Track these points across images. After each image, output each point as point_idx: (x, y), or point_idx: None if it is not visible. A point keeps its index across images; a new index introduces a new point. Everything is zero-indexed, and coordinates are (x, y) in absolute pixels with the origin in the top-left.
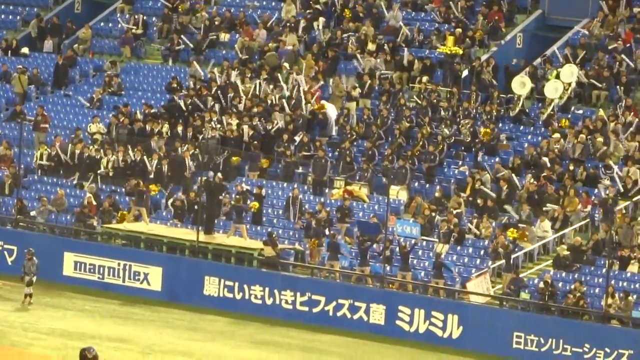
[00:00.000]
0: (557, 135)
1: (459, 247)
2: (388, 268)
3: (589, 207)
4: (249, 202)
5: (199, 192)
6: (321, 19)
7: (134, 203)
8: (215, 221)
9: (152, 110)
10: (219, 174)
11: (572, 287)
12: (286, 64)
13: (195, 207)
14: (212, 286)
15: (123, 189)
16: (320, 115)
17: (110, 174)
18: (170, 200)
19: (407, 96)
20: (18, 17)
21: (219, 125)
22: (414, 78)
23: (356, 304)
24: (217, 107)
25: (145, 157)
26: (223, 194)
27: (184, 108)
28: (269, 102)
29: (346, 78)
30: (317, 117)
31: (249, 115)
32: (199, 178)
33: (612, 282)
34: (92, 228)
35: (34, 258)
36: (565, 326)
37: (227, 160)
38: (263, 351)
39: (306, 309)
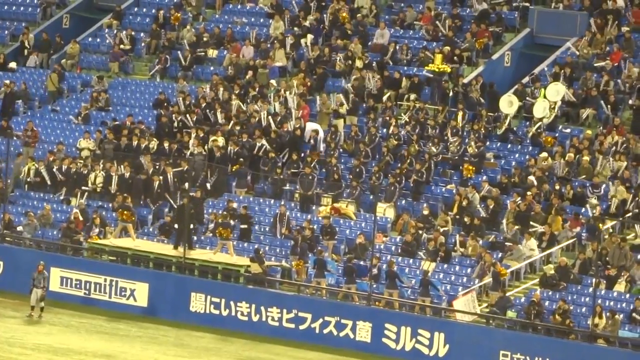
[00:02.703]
0: (544, 154)
1: (445, 265)
2: (375, 285)
3: (578, 228)
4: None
5: (178, 209)
6: (309, 36)
7: (121, 219)
8: (195, 237)
9: (142, 127)
10: (198, 192)
11: (557, 305)
12: (273, 81)
13: (175, 225)
14: (198, 302)
15: (110, 205)
16: (311, 139)
17: (98, 189)
18: (158, 223)
19: (394, 114)
20: (6, 32)
21: (223, 140)
22: (402, 96)
23: (343, 321)
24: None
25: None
26: (208, 212)
27: (174, 124)
28: (255, 119)
29: (334, 95)
30: (303, 135)
31: (235, 133)
32: (181, 194)
33: (599, 301)
34: (78, 243)
35: (45, 271)
36: (552, 345)
37: (219, 176)
38: None
39: (292, 326)
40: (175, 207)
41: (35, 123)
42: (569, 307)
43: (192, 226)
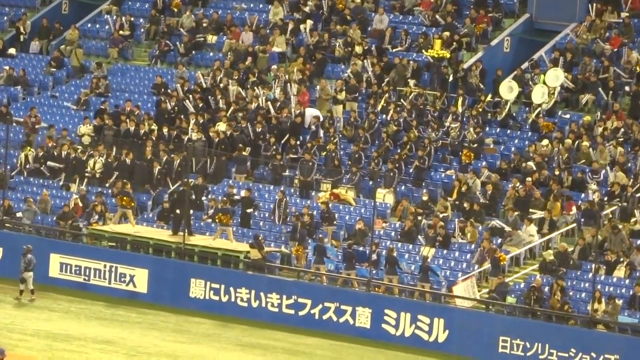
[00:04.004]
0: (545, 141)
1: (445, 251)
2: (374, 271)
3: (573, 210)
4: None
5: (177, 195)
6: (308, 22)
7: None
8: (192, 222)
9: (137, 112)
10: (199, 178)
11: (552, 285)
12: (274, 66)
13: (177, 211)
14: (198, 288)
15: (110, 191)
16: (312, 125)
17: (97, 175)
18: (158, 209)
19: (393, 99)
20: (5, 18)
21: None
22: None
23: (342, 307)
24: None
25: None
26: (208, 196)
27: (170, 110)
28: (255, 104)
29: (333, 81)
30: (303, 121)
31: (235, 118)
32: (186, 180)
33: (599, 287)
34: (77, 229)
35: (28, 255)
36: (552, 331)
37: (219, 162)
38: (249, 354)
39: (292, 311)
40: (173, 193)
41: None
42: (565, 288)
43: (183, 212)
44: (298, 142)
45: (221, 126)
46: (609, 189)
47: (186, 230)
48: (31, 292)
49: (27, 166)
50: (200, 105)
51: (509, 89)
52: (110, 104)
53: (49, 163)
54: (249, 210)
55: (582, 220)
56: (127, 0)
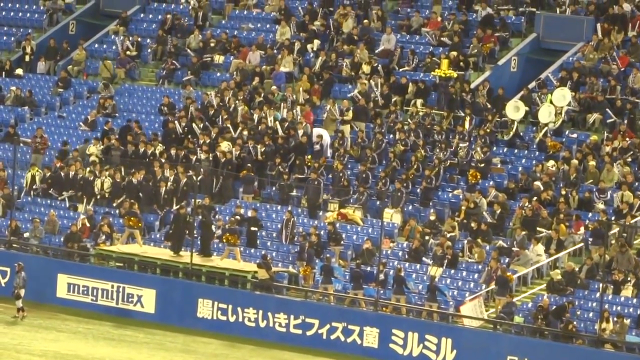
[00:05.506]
0: (551, 162)
1: (452, 271)
2: (382, 291)
3: (581, 230)
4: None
5: (192, 214)
6: (316, 42)
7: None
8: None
9: (140, 132)
10: (206, 199)
11: (565, 307)
12: (274, 87)
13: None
14: (205, 308)
15: (117, 211)
16: (316, 146)
17: (106, 195)
18: (165, 229)
19: (399, 118)
20: (12, 38)
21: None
22: (408, 101)
23: (350, 327)
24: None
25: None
26: (215, 217)
27: (180, 130)
28: (263, 125)
29: (340, 101)
30: (310, 141)
31: (242, 138)
32: (193, 201)
33: (606, 306)
34: (85, 250)
35: (22, 272)
36: (559, 350)
37: (225, 182)
38: None
39: (300, 331)
40: (177, 213)
41: (41, 129)
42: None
43: (191, 232)
44: (303, 161)
45: (223, 146)
46: (617, 206)
47: (193, 251)
48: (17, 311)
49: (34, 186)
50: (201, 125)
51: (515, 109)
52: (116, 125)
53: (63, 194)
54: (253, 229)
55: (591, 239)
56: (134, 21)
